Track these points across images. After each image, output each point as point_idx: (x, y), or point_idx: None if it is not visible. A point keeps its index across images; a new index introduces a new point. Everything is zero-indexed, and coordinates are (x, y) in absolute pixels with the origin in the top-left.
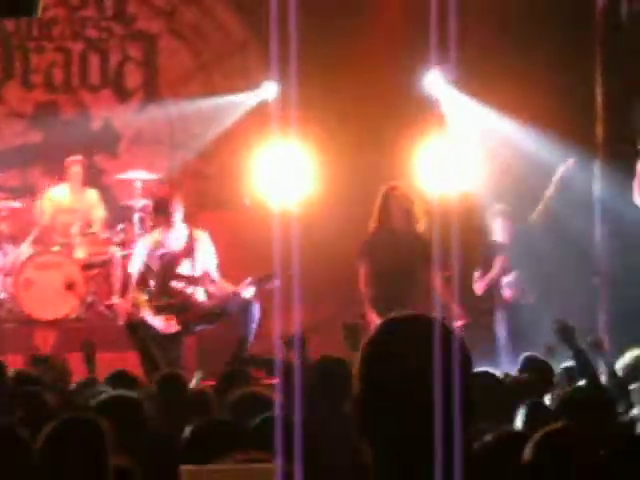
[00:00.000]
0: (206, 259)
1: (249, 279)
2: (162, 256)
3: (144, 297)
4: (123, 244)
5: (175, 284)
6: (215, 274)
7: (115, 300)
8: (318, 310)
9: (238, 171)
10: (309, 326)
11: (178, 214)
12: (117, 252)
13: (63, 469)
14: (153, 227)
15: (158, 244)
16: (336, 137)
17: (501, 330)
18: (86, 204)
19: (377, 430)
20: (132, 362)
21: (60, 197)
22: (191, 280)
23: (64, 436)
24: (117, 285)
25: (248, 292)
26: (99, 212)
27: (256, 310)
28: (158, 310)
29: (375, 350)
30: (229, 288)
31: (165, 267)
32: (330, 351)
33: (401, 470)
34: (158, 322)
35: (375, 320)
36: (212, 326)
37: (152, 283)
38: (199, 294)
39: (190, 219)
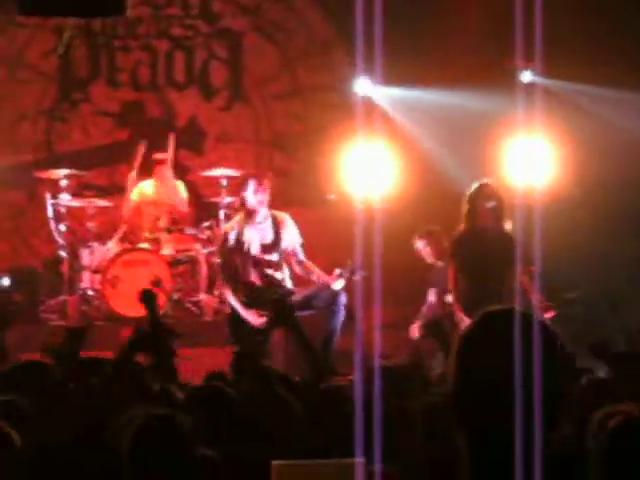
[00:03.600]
0: (291, 239)
1: (338, 271)
2: (248, 246)
3: (231, 291)
4: (209, 241)
5: (263, 273)
6: (301, 254)
7: (201, 296)
8: (399, 306)
9: (323, 167)
10: (390, 323)
11: (263, 202)
12: (203, 249)
13: (149, 467)
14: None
15: (243, 234)
16: (420, 131)
17: None
18: (173, 199)
19: (473, 423)
20: (219, 358)
21: (147, 192)
22: (278, 266)
23: (148, 434)
24: (203, 282)
25: (338, 284)
26: (185, 209)
27: (344, 302)
28: (248, 304)
29: (470, 344)
30: (316, 271)
31: (252, 257)
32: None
33: (497, 462)
34: (250, 316)
35: (463, 318)
36: (301, 314)
37: (239, 275)
38: (287, 280)
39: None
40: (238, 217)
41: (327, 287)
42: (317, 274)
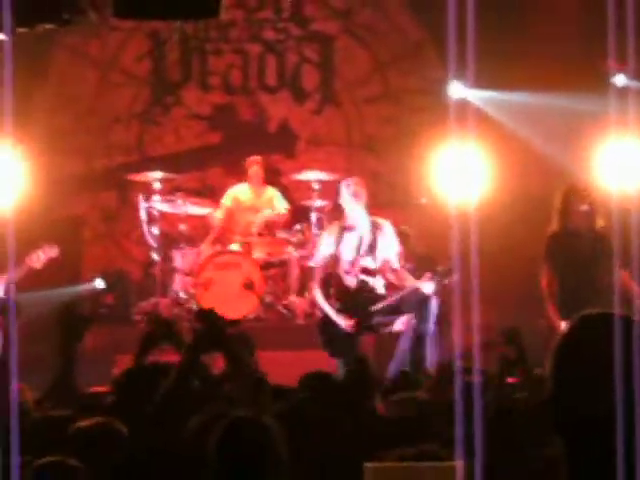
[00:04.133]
0: (387, 248)
1: (429, 274)
2: (344, 251)
3: (322, 295)
4: (300, 244)
5: (356, 279)
6: (396, 263)
7: (293, 299)
8: (495, 310)
9: (414, 171)
10: (485, 326)
11: (361, 207)
12: (294, 252)
13: (234, 469)
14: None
15: (340, 239)
16: (513, 135)
17: None
18: (266, 203)
19: (571, 427)
20: (310, 361)
21: (240, 196)
22: (372, 272)
23: (234, 436)
24: (295, 284)
25: (428, 287)
26: (278, 212)
27: (435, 306)
28: (339, 309)
29: (569, 349)
30: (409, 279)
31: (347, 262)
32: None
33: (595, 465)
34: (341, 320)
35: (557, 321)
36: (390, 319)
37: (333, 279)
38: (379, 286)
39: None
40: (336, 223)
41: (417, 291)
42: (409, 281)
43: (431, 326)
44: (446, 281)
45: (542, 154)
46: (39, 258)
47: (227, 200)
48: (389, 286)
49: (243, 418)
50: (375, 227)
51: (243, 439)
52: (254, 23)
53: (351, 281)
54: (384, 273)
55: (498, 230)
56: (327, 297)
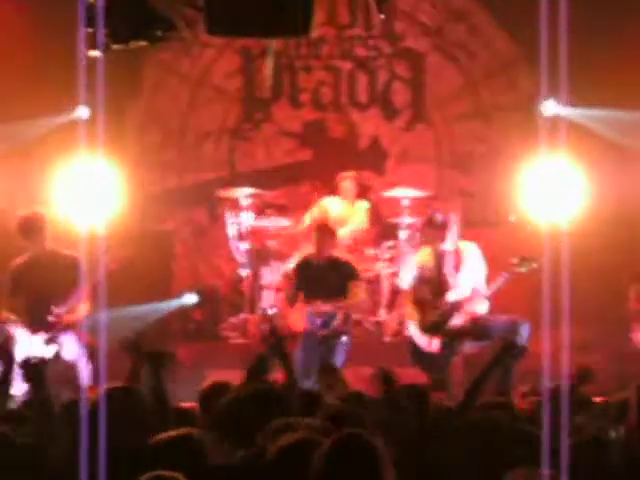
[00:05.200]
0: (475, 272)
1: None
2: (432, 272)
3: (414, 314)
4: (390, 261)
5: (444, 301)
6: (483, 287)
7: (381, 317)
8: (585, 328)
9: (504, 187)
10: (576, 344)
11: (452, 230)
12: (384, 269)
13: None
14: (423, 243)
15: (429, 260)
16: (608, 151)
17: None
18: (357, 217)
19: None
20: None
21: (331, 209)
22: (461, 295)
23: (341, 454)
24: (383, 302)
25: (493, 286)
26: (367, 229)
27: (525, 330)
28: (425, 329)
29: None
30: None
31: (435, 283)
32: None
33: None
34: (422, 341)
35: None
36: (479, 344)
37: (422, 299)
38: (475, 308)
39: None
40: (429, 246)
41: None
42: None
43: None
44: (532, 267)
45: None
46: (112, 262)
47: (315, 211)
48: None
49: (352, 434)
50: (462, 251)
51: (352, 455)
52: (345, 40)
53: (438, 303)
54: (473, 298)
55: (589, 248)
56: (415, 317)
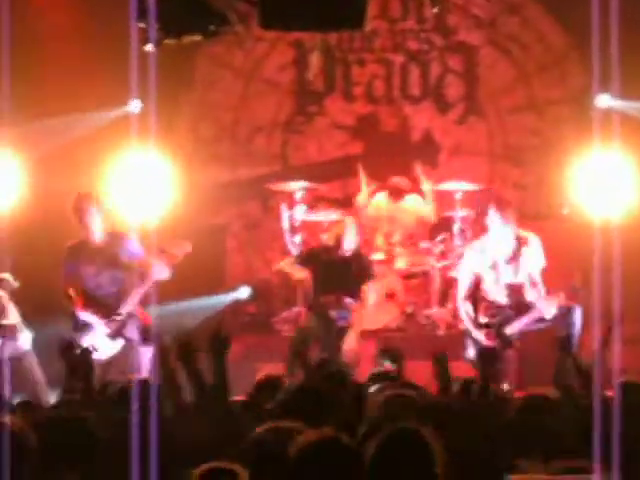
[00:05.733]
0: (532, 262)
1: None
2: (487, 265)
3: (469, 308)
4: (442, 255)
5: (500, 295)
6: (538, 277)
7: (434, 310)
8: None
9: (557, 181)
10: (629, 338)
11: (508, 221)
12: (436, 263)
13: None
14: (475, 236)
15: (484, 252)
16: None
17: None
18: (409, 214)
19: None
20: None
21: (382, 206)
22: (514, 288)
23: (393, 447)
24: (437, 295)
25: (549, 309)
26: (421, 223)
27: (577, 315)
28: (479, 324)
29: None
30: (544, 295)
31: (490, 276)
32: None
33: None
34: (481, 336)
35: None
36: (533, 326)
37: (477, 294)
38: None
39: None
40: (481, 238)
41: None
42: (540, 300)
43: (576, 342)
44: (581, 293)
45: None
46: (175, 255)
47: (369, 209)
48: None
49: (404, 429)
50: (521, 241)
51: (403, 450)
52: (397, 33)
53: (496, 296)
54: (524, 288)
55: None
56: (470, 310)
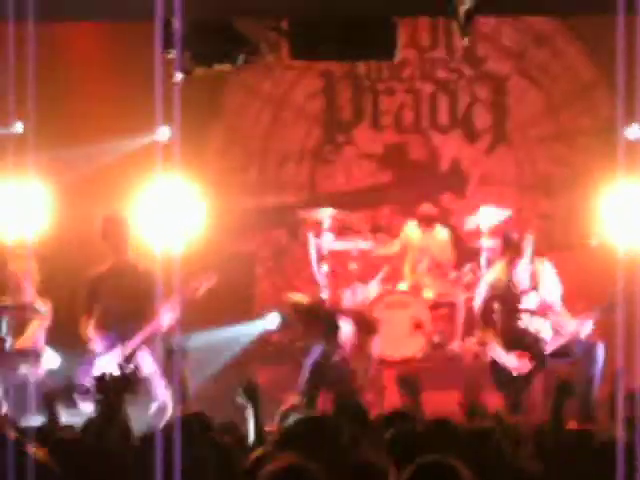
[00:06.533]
0: (550, 289)
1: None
2: (506, 291)
3: (491, 334)
4: (469, 285)
5: (520, 320)
6: (558, 304)
7: (461, 341)
8: None
9: (586, 212)
10: None
11: (527, 249)
12: (463, 293)
13: None
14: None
15: (503, 279)
16: None
17: None
18: (437, 243)
19: None
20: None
21: (412, 236)
22: (535, 314)
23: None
24: (463, 326)
25: (587, 327)
26: (447, 253)
27: (600, 351)
28: (509, 347)
29: None
30: (570, 322)
31: (509, 303)
32: None
33: None
34: (511, 360)
35: None
36: (560, 361)
37: (497, 319)
38: (544, 329)
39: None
40: (501, 263)
41: (580, 338)
42: (569, 324)
43: (599, 373)
44: (608, 314)
45: None
46: (197, 288)
47: (400, 239)
48: (555, 332)
49: (433, 462)
50: (536, 269)
51: None
52: (426, 62)
53: (514, 322)
54: (547, 316)
55: None
56: (494, 338)
